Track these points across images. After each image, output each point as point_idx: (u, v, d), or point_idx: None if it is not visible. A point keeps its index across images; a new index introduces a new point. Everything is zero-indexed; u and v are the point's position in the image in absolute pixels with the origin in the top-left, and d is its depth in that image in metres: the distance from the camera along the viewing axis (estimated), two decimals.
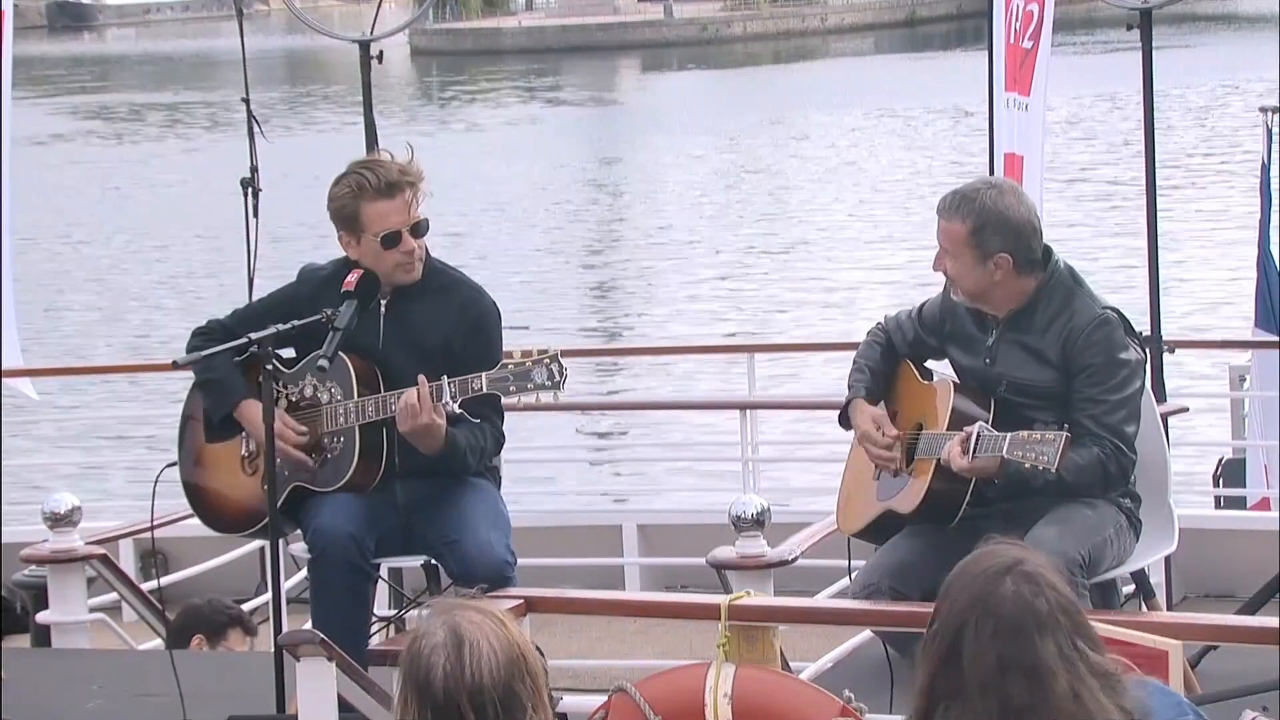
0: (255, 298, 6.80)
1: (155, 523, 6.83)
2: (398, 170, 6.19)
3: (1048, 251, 6.02)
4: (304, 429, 6.20)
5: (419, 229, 6.21)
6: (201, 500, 6.49)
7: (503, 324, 6.33)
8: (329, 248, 6.55)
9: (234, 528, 6.64)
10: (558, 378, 5.93)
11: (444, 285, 6.30)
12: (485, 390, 5.97)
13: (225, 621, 7.45)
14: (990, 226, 5.85)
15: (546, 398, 5.97)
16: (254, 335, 5.83)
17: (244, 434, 6.36)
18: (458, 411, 6.03)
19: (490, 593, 5.74)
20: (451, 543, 6.14)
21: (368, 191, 6.16)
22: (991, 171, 9.22)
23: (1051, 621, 3.40)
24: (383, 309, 6.24)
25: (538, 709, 3.49)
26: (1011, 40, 9.07)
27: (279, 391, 6.21)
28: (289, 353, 6.27)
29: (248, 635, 7.52)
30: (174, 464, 6.48)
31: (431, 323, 6.21)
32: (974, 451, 5.72)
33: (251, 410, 6.19)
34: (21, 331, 10.19)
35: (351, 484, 6.17)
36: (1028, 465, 5.62)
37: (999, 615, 3.41)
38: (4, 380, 9.36)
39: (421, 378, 6.00)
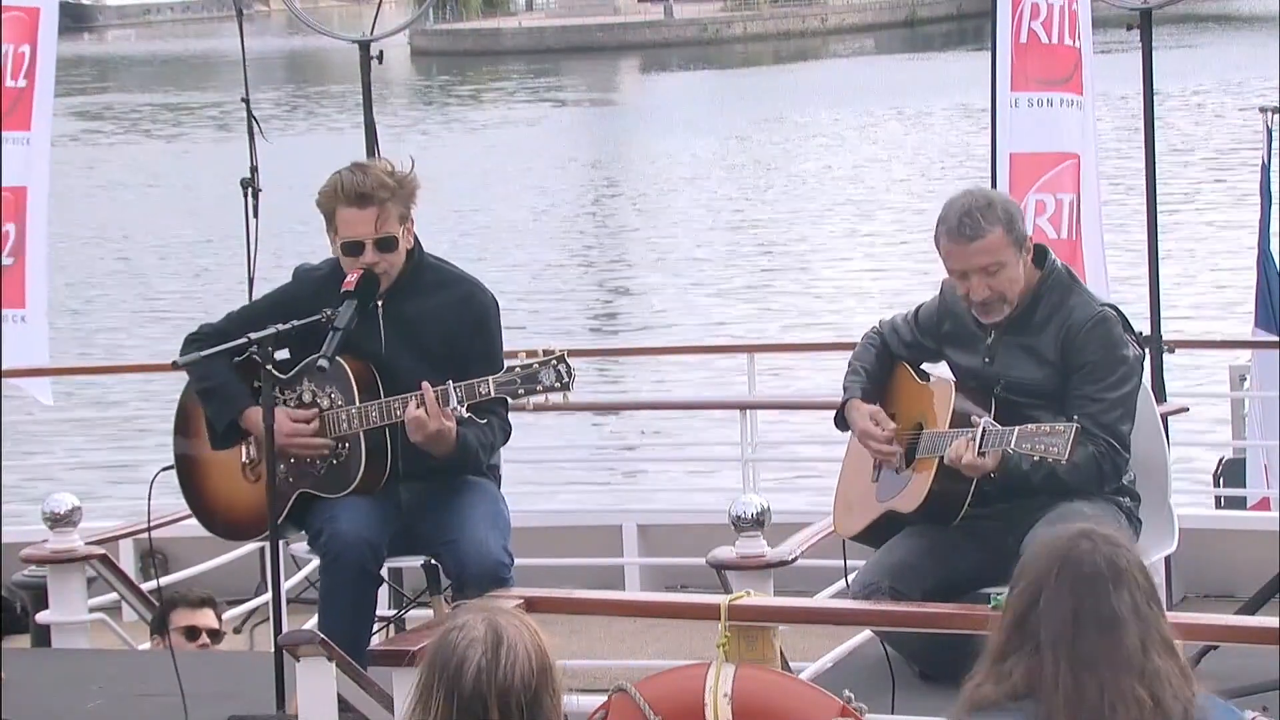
0: (255, 297, 6.78)
1: (154, 523, 6.84)
2: (376, 182, 6.10)
3: (1043, 251, 6.04)
4: (310, 415, 6.16)
5: (384, 244, 6.13)
6: (207, 511, 6.47)
7: (502, 323, 6.31)
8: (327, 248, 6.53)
9: (243, 535, 6.63)
10: (565, 378, 5.91)
11: (441, 282, 6.27)
12: (492, 394, 5.95)
13: (199, 599, 7.52)
14: (1013, 216, 5.91)
15: (555, 399, 5.95)
16: (253, 335, 5.81)
17: (244, 441, 6.34)
18: (465, 415, 6.01)
19: (487, 594, 5.74)
20: (449, 543, 6.13)
21: (340, 195, 6.12)
22: (993, 170, 9.22)
23: (1129, 577, 3.48)
24: (380, 311, 6.19)
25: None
26: (1023, 40, 9.05)
27: (276, 397, 6.17)
28: (282, 355, 6.22)
29: (219, 617, 7.60)
30: (169, 468, 6.46)
31: (432, 321, 6.18)
32: (981, 446, 5.72)
33: (258, 416, 6.16)
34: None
35: (359, 489, 6.16)
36: (1036, 458, 5.62)
37: (1078, 569, 3.48)
38: (19, 381, 9.37)
39: (425, 385, 5.97)
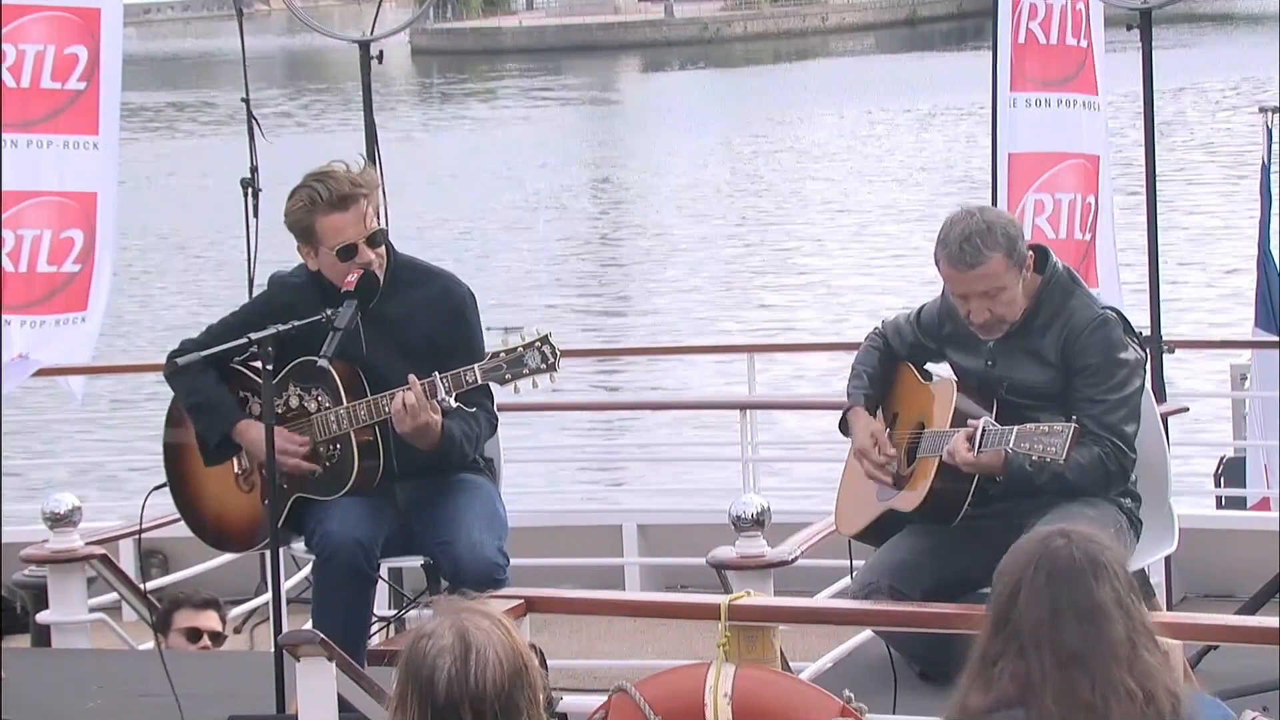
0: (239, 306, 6.75)
1: (153, 523, 6.84)
2: (350, 182, 6.10)
3: (1045, 253, 6.03)
4: (303, 439, 6.18)
5: (375, 239, 6.14)
6: (204, 527, 6.47)
7: (484, 315, 6.32)
8: None
9: (240, 546, 6.62)
10: (551, 359, 5.92)
11: (415, 279, 6.27)
12: (480, 382, 5.96)
13: (203, 601, 7.52)
14: (1015, 239, 5.86)
15: (544, 382, 5.96)
16: (254, 335, 5.81)
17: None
18: (454, 405, 6.02)
19: (482, 595, 5.74)
20: (444, 544, 6.13)
21: (320, 205, 6.09)
22: (994, 170, 9.20)
23: (1109, 570, 3.44)
24: (360, 314, 6.16)
25: (532, 715, 3.50)
26: (1022, 40, 9.03)
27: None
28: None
29: (223, 620, 7.59)
30: (162, 486, 6.46)
31: (410, 319, 6.19)
32: (980, 445, 5.72)
33: (249, 430, 6.17)
34: None
35: (353, 490, 6.16)
36: (1035, 457, 5.62)
37: (1053, 565, 3.45)
38: (54, 377, 9.37)
39: (413, 377, 5.98)
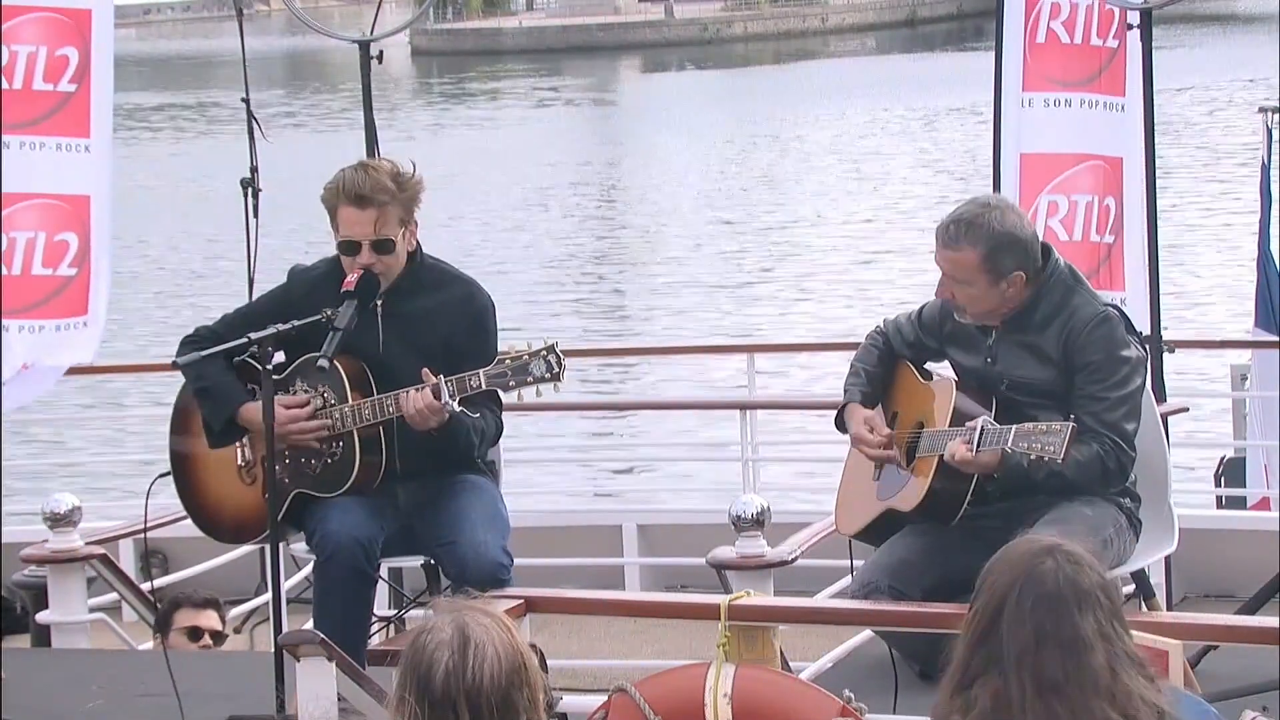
0: (255, 298, 6.79)
1: (154, 523, 6.84)
2: (376, 184, 6.11)
3: (1047, 249, 6.03)
4: (302, 399, 6.17)
5: (381, 246, 6.15)
6: (204, 516, 6.48)
7: (499, 322, 6.33)
8: (325, 248, 6.53)
9: (239, 538, 6.63)
10: (556, 369, 5.93)
11: (438, 282, 6.29)
12: (484, 387, 5.97)
13: (203, 600, 7.52)
14: (1002, 249, 5.84)
15: (547, 390, 5.97)
16: (253, 335, 5.81)
17: (239, 444, 6.35)
18: (458, 409, 6.02)
19: (485, 594, 5.74)
20: (448, 544, 6.13)
21: (342, 194, 6.14)
22: (996, 171, 9.18)
23: (1092, 598, 3.45)
24: (379, 311, 6.21)
25: (531, 717, 3.50)
26: (1040, 39, 8.96)
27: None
28: (278, 358, 6.22)
29: (222, 619, 7.60)
30: (165, 474, 6.47)
31: (430, 321, 6.20)
32: (978, 444, 5.72)
33: (253, 412, 6.17)
34: None
35: (354, 488, 6.17)
36: (1033, 456, 5.62)
37: (1040, 589, 3.46)
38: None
39: (426, 371, 5.99)
